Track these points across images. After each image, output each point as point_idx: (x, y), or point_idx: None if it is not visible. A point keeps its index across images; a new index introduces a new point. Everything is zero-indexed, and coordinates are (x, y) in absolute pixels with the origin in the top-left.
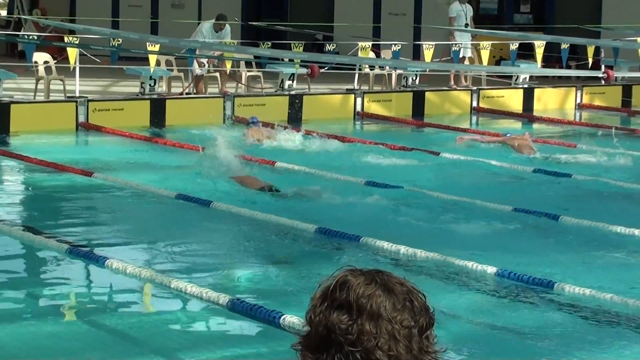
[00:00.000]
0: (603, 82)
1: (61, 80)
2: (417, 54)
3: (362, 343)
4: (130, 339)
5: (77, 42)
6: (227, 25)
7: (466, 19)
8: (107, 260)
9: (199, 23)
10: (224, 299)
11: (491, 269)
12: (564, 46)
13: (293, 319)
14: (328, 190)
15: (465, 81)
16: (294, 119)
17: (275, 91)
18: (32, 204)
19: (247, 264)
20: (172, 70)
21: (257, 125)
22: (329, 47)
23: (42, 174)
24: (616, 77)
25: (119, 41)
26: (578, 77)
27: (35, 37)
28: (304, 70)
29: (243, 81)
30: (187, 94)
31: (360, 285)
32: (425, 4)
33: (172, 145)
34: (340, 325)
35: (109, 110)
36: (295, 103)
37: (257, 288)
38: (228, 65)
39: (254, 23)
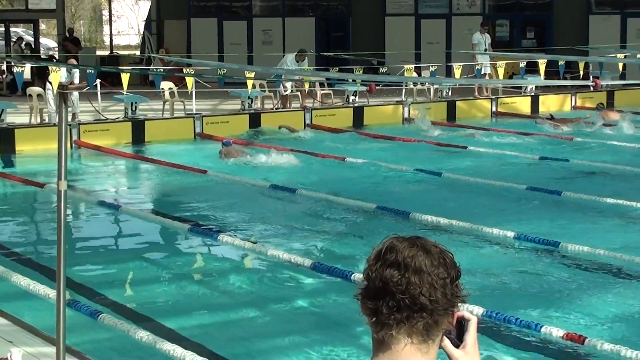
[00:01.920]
0: (592, 89)
1: (182, 101)
2: (449, 72)
3: (409, 291)
4: (235, 293)
5: (193, 72)
6: (306, 57)
7: (485, 44)
8: (220, 235)
9: (283, 55)
10: (308, 262)
11: (510, 233)
12: (561, 63)
13: (360, 276)
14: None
15: (486, 92)
16: (358, 125)
17: (343, 104)
18: (163, 195)
19: (324, 235)
20: (264, 91)
21: (230, 146)
22: (382, 69)
23: (170, 173)
24: (602, 84)
25: (224, 71)
26: (572, 86)
27: (162, 70)
28: (363, 88)
29: (318, 97)
30: (276, 108)
31: (405, 248)
32: (454, 34)
33: (267, 147)
34: (392, 279)
35: (218, 123)
36: (358, 113)
37: (333, 254)
38: (306, 86)
39: (325, 53)
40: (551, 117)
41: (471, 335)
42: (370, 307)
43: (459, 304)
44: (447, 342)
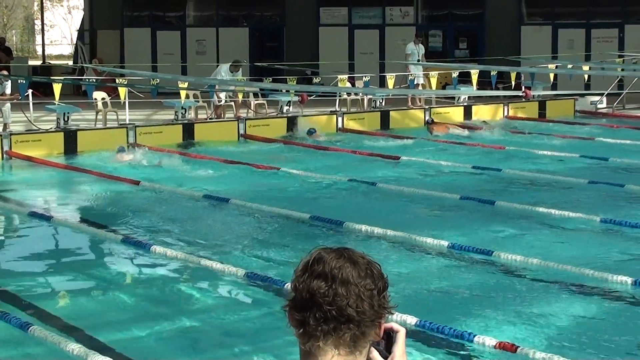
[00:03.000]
0: (523, 99)
1: (115, 112)
2: (382, 83)
3: (336, 303)
4: (169, 302)
5: (125, 82)
6: (241, 68)
7: (418, 55)
8: (152, 246)
9: (217, 65)
10: (241, 272)
11: (444, 242)
12: (493, 73)
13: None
14: (314, 187)
15: (420, 102)
16: (292, 134)
17: (277, 114)
18: (94, 205)
19: (258, 245)
20: (198, 101)
21: (124, 151)
22: (316, 79)
23: (102, 184)
24: (533, 95)
25: (157, 81)
26: (505, 96)
27: (95, 80)
28: (296, 98)
29: (252, 108)
30: (210, 119)
31: (332, 260)
32: (387, 45)
33: (200, 157)
34: (319, 290)
35: (151, 133)
36: (292, 123)
37: (267, 263)
38: (240, 96)
39: (259, 64)
40: (431, 122)
41: (399, 346)
42: (297, 318)
43: (387, 315)
44: (375, 354)
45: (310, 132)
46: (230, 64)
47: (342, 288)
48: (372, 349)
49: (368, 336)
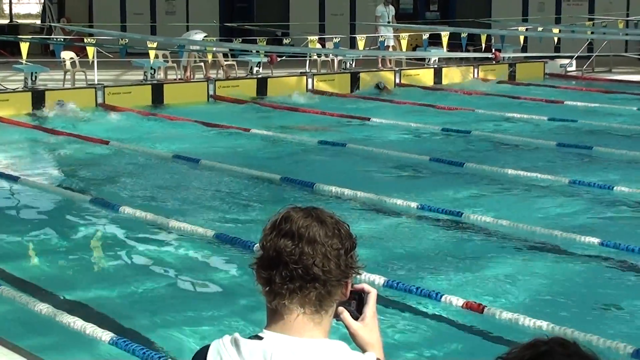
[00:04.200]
0: (493, 61)
1: (83, 71)
2: (353, 44)
3: (302, 261)
4: (138, 263)
5: (94, 42)
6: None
7: (388, 17)
8: (121, 207)
9: (187, 27)
10: (210, 232)
11: (413, 204)
12: (464, 35)
13: None
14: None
15: (390, 64)
16: (261, 96)
17: (247, 75)
18: (62, 166)
19: (228, 206)
20: (167, 61)
21: (62, 105)
22: (286, 41)
23: (71, 144)
24: (502, 57)
25: (126, 41)
26: (475, 58)
27: (63, 40)
28: (266, 59)
29: (223, 66)
30: (179, 79)
31: (300, 219)
32: (358, 6)
33: (170, 118)
34: (285, 248)
35: (120, 93)
36: (262, 84)
37: (237, 224)
38: (210, 57)
39: (228, 24)
40: (383, 87)
41: (370, 308)
42: (263, 276)
43: (354, 275)
44: (346, 315)
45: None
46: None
47: (309, 247)
48: (344, 309)
49: (334, 295)
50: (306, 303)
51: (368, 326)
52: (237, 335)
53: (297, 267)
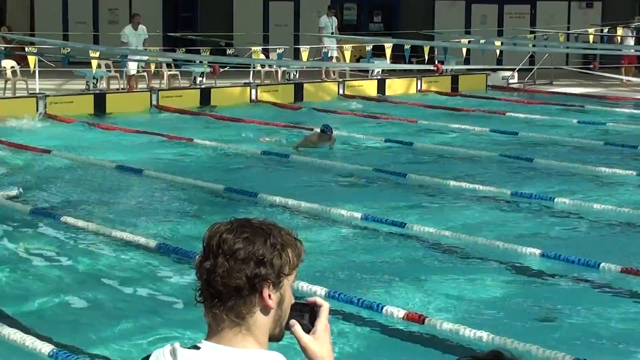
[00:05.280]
0: (436, 73)
1: (24, 81)
2: (297, 55)
3: (208, 276)
4: (79, 273)
5: (35, 51)
6: (141, 26)
7: (332, 28)
8: (62, 217)
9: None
10: (153, 243)
11: (357, 214)
12: (407, 47)
13: None
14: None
15: (334, 75)
16: (205, 106)
17: (190, 85)
18: (4, 175)
19: (171, 217)
20: (110, 71)
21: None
22: (230, 51)
23: (12, 153)
24: (445, 69)
25: (68, 50)
26: (418, 70)
27: (3, 48)
28: (209, 69)
29: (165, 79)
30: (122, 89)
31: (213, 232)
32: (302, 17)
33: (112, 128)
34: (201, 264)
35: (62, 103)
36: (206, 94)
37: (179, 234)
38: (153, 67)
39: (172, 34)
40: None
41: (322, 321)
42: (198, 289)
43: (273, 285)
44: (297, 327)
45: (325, 130)
46: (130, 24)
47: (212, 260)
48: (295, 322)
49: (248, 306)
50: (224, 315)
51: (319, 339)
52: (176, 344)
53: (205, 282)
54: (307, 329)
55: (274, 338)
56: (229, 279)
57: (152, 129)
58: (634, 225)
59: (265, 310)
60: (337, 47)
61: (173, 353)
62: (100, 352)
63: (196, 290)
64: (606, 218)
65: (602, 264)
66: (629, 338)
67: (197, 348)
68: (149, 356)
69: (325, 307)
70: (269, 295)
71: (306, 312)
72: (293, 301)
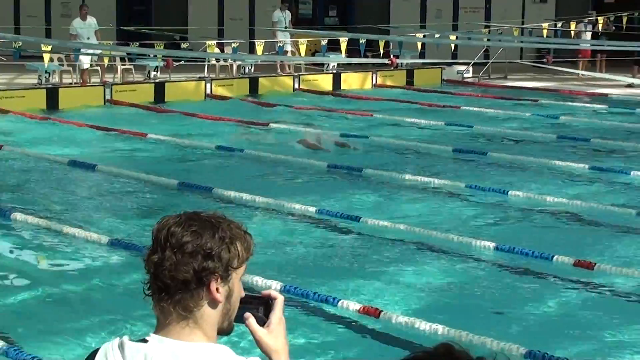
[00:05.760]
0: (392, 67)
1: None
2: (252, 49)
3: (156, 269)
4: (31, 270)
5: None
6: (90, 17)
7: (285, 22)
8: (13, 213)
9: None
10: (105, 239)
11: (312, 208)
12: (362, 41)
13: None
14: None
15: (289, 69)
16: (159, 100)
17: (144, 80)
18: None
19: (124, 212)
20: (62, 64)
21: None
22: (184, 45)
23: None
24: (399, 63)
25: (19, 43)
26: (373, 64)
27: None
28: (162, 63)
29: (118, 73)
30: (75, 83)
31: (162, 225)
32: (257, 11)
33: (65, 123)
34: (149, 258)
35: (13, 97)
36: (160, 88)
37: (133, 230)
38: (106, 61)
39: (126, 28)
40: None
41: (276, 314)
42: (147, 283)
43: (220, 277)
44: (251, 321)
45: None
46: (78, 17)
47: (160, 253)
48: (250, 315)
49: (195, 299)
50: (171, 309)
51: (273, 332)
52: (125, 338)
53: (153, 275)
54: (262, 322)
55: (223, 332)
56: (177, 272)
57: (105, 123)
58: (587, 218)
59: (213, 303)
60: (292, 41)
61: (121, 346)
62: (52, 347)
63: (145, 284)
64: (559, 211)
65: (556, 257)
66: (582, 330)
67: (145, 341)
68: (97, 350)
69: (280, 300)
70: (217, 289)
71: (261, 305)
72: (243, 294)
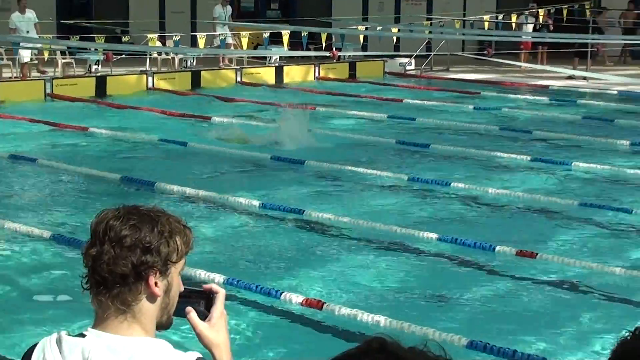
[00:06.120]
0: (334, 60)
1: None
2: (194, 42)
3: (94, 262)
4: None
5: None
6: (29, 10)
7: (225, 18)
8: None
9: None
10: (47, 233)
11: (256, 202)
12: (304, 34)
13: None
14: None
15: (231, 62)
16: (101, 94)
17: (85, 74)
18: None
19: (66, 207)
20: (2, 59)
21: None
22: (125, 38)
23: None
24: (341, 55)
25: None
26: (316, 57)
27: None
28: (103, 56)
29: (59, 67)
30: (15, 77)
31: (105, 219)
32: (199, 4)
33: (5, 117)
34: (91, 249)
35: None
36: (101, 82)
37: (75, 225)
38: (46, 54)
39: (66, 21)
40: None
41: (218, 308)
42: (85, 277)
43: (159, 272)
44: (192, 315)
45: None
46: (17, 10)
47: (99, 247)
48: (191, 309)
49: (134, 293)
50: (109, 303)
51: (215, 327)
52: (63, 333)
53: (92, 269)
54: (203, 316)
55: (162, 326)
56: (115, 266)
57: (46, 117)
58: (529, 209)
59: (152, 298)
60: (234, 34)
61: (59, 341)
62: None
63: (83, 277)
64: (501, 202)
65: (498, 247)
66: (524, 319)
67: (83, 336)
68: (36, 345)
69: (221, 293)
70: (156, 283)
71: (202, 299)
72: (182, 289)
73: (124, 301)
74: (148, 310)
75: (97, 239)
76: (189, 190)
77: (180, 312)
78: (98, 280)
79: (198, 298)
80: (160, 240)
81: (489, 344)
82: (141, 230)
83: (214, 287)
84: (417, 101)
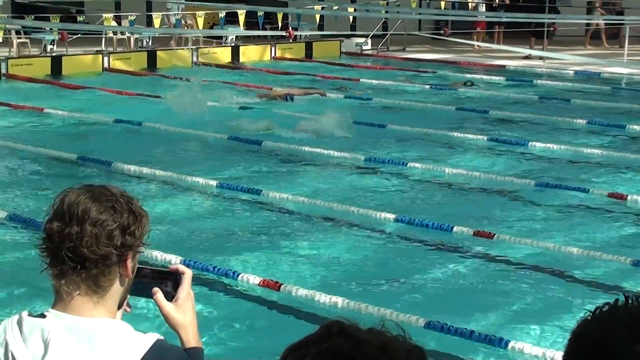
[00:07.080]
0: (290, 40)
1: None
2: (149, 22)
3: (70, 243)
4: None
5: None
6: None
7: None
8: None
9: None
10: (3, 214)
11: (213, 182)
12: (260, 13)
13: None
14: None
15: (187, 43)
16: (56, 74)
17: (40, 53)
18: None
19: (23, 188)
20: None
21: None
22: (80, 18)
23: None
24: (297, 35)
25: None
26: (272, 37)
27: None
28: (59, 36)
29: (14, 47)
30: None
31: (72, 198)
32: None
33: None
34: (54, 231)
35: None
36: (57, 62)
37: (32, 205)
38: (1, 34)
39: (21, 1)
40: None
41: (184, 289)
42: (43, 258)
43: (136, 253)
44: (159, 295)
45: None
46: None
47: (77, 227)
48: (158, 290)
49: (110, 275)
50: (80, 283)
51: (181, 307)
52: (24, 313)
53: (66, 248)
54: (170, 297)
55: (119, 306)
56: (98, 247)
57: (1, 98)
58: (486, 189)
59: (123, 279)
60: (190, 13)
61: (19, 322)
62: None
63: (43, 257)
64: (458, 182)
65: (455, 228)
66: (482, 299)
67: (44, 316)
68: None
69: (188, 274)
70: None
71: (169, 280)
72: (148, 270)
73: (98, 282)
74: (116, 291)
75: (75, 219)
76: (146, 170)
77: (147, 293)
78: (74, 260)
79: (164, 279)
80: (136, 222)
81: (446, 324)
82: (121, 213)
83: (181, 267)
84: (374, 81)
